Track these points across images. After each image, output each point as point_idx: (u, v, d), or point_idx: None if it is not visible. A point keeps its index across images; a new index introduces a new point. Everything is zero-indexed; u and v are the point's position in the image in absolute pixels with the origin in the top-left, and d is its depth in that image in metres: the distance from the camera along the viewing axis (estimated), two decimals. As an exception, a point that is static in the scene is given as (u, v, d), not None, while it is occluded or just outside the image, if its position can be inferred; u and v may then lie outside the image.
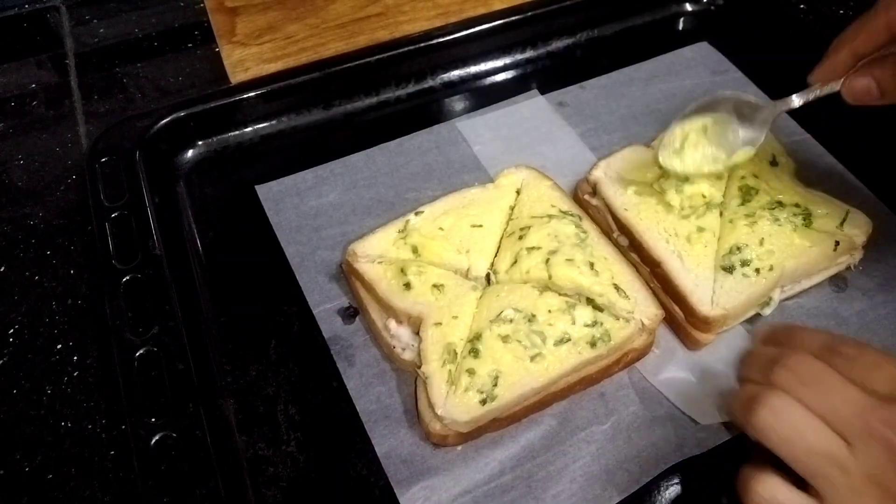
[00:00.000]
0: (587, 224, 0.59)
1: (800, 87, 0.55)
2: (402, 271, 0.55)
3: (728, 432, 0.51)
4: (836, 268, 0.59)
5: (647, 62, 0.77)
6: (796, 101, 0.55)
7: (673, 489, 0.50)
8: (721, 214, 0.59)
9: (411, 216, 0.59)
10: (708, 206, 0.58)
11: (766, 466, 0.41)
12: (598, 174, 0.62)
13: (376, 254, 0.57)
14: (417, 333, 0.54)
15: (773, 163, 0.62)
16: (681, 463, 0.50)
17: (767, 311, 0.57)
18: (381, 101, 0.74)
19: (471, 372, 0.50)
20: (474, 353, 0.51)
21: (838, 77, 0.52)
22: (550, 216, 0.58)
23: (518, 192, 0.62)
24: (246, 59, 0.74)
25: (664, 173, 0.59)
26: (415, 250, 0.57)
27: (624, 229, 0.59)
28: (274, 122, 0.72)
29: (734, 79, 0.74)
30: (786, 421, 0.39)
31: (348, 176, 0.67)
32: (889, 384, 0.40)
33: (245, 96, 0.71)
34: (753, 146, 0.57)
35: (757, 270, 0.55)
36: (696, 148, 0.57)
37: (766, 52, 0.76)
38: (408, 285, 0.55)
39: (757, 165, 0.61)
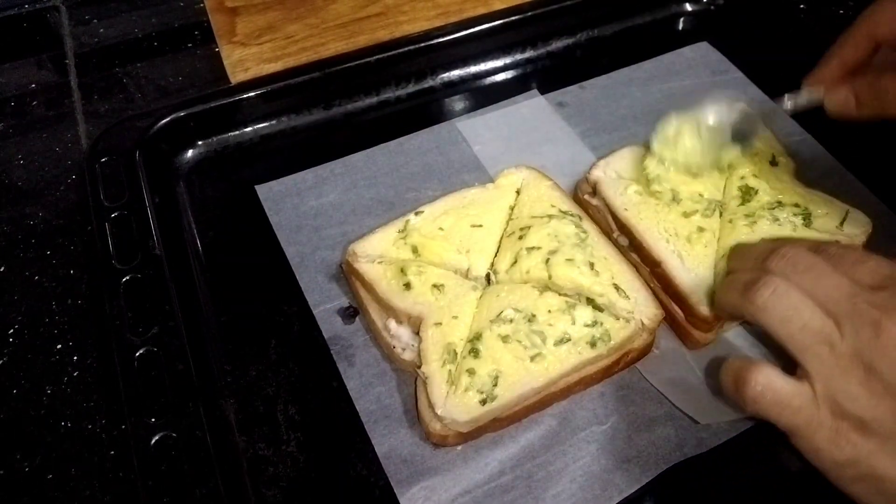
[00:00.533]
0: (587, 224, 0.59)
1: (799, 87, 0.56)
2: (402, 271, 0.55)
3: (728, 432, 0.51)
4: (837, 268, 0.59)
5: (647, 62, 0.77)
6: (786, 104, 0.57)
7: (673, 489, 0.50)
8: (721, 215, 0.59)
9: (411, 216, 0.59)
10: (708, 206, 0.58)
11: (754, 360, 0.44)
12: (597, 174, 0.62)
13: (376, 254, 0.57)
14: (417, 333, 0.54)
15: (773, 163, 0.62)
16: (681, 463, 0.50)
17: (767, 311, 0.57)
18: (381, 101, 0.74)
19: (471, 372, 0.50)
20: (474, 353, 0.51)
21: (824, 86, 0.53)
22: (550, 216, 0.58)
23: (518, 192, 0.62)
24: (246, 59, 0.74)
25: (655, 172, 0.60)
26: (415, 250, 0.57)
27: (624, 229, 0.59)
28: (274, 122, 0.72)
29: (734, 79, 0.74)
30: (784, 300, 0.43)
31: (348, 176, 0.67)
32: (872, 276, 0.43)
33: (245, 96, 0.71)
34: (740, 150, 0.59)
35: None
36: (687, 141, 0.59)
37: (766, 52, 0.76)
38: (408, 285, 0.55)
39: (757, 165, 0.61)
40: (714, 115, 0.59)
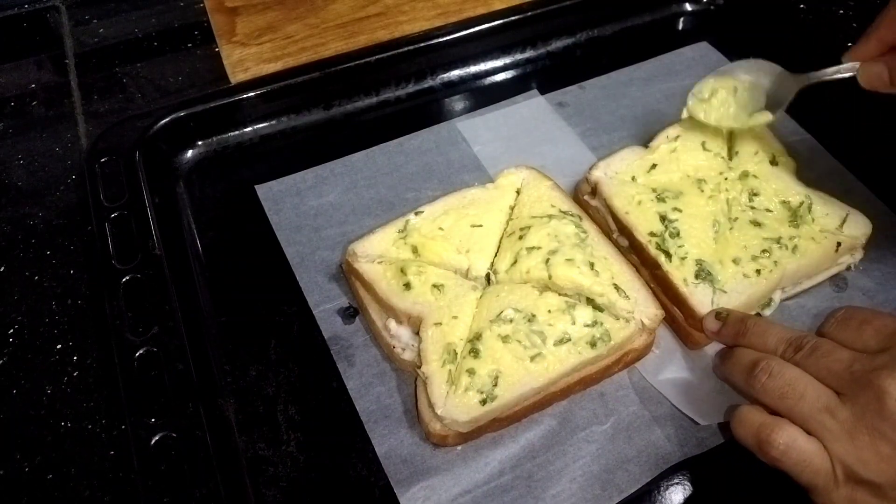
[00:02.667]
0: (587, 224, 0.59)
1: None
2: (402, 271, 0.55)
3: (728, 432, 0.51)
4: (837, 268, 0.59)
5: (647, 62, 0.77)
6: (817, 76, 0.58)
7: (673, 489, 0.50)
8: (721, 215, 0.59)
9: (411, 216, 0.59)
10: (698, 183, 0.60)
11: (776, 418, 0.45)
12: (597, 174, 0.62)
13: (376, 254, 0.57)
14: (417, 333, 0.54)
15: (773, 162, 0.62)
16: (681, 463, 0.50)
17: (768, 312, 0.57)
18: (381, 101, 0.74)
19: (471, 372, 0.50)
20: (474, 353, 0.51)
21: (862, 61, 0.53)
22: (550, 216, 0.58)
23: (518, 192, 0.62)
24: (246, 59, 0.74)
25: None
26: (415, 250, 0.57)
27: (624, 230, 0.59)
28: (274, 122, 0.72)
29: (734, 79, 0.74)
30: (782, 375, 0.45)
31: (348, 176, 0.67)
32: (875, 339, 0.45)
33: (245, 96, 0.71)
34: (772, 114, 0.60)
35: (758, 271, 0.55)
36: (722, 103, 0.61)
37: (766, 52, 0.75)
38: (408, 285, 0.55)
39: (757, 165, 0.61)
40: (751, 76, 0.61)
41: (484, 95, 0.75)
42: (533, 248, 0.56)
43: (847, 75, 0.55)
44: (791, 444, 0.43)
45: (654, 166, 0.62)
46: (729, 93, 0.62)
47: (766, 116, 0.60)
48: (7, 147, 0.70)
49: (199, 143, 0.70)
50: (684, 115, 0.63)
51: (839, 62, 0.56)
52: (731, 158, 0.62)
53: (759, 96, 0.61)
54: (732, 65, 0.63)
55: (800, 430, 0.44)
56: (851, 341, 0.46)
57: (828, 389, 0.44)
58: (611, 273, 0.55)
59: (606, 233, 0.60)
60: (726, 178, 0.61)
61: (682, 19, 0.82)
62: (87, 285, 0.60)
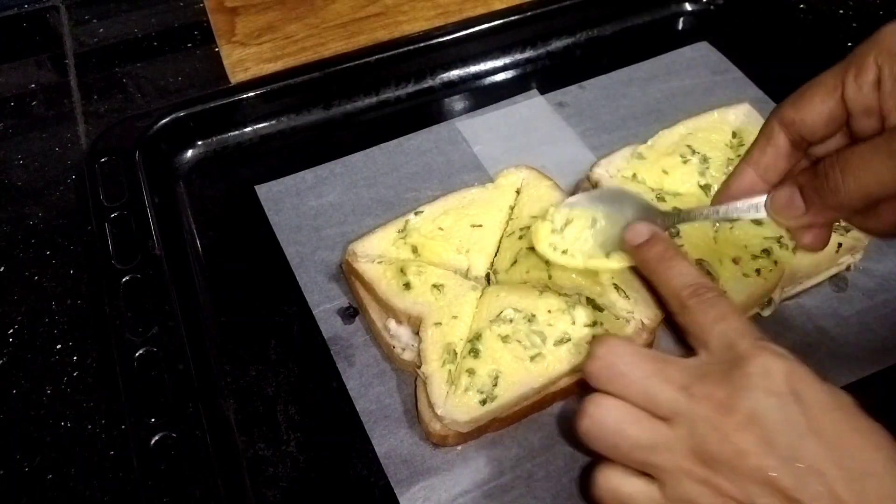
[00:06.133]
0: (587, 224, 0.59)
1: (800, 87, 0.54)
2: (402, 271, 0.55)
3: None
4: (837, 268, 0.59)
5: (647, 62, 0.77)
6: (696, 216, 0.48)
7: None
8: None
9: (411, 216, 0.59)
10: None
11: (603, 463, 0.41)
12: (599, 172, 0.62)
13: (376, 254, 0.57)
14: (417, 333, 0.54)
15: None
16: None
17: (768, 312, 0.57)
18: (381, 101, 0.74)
19: (471, 372, 0.50)
20: (474, 353, 0.51)
21: (742, 196, 0.44)
22: (550, 216, 0.58)
23: (518, 192, 0.62)
24: (246, 59, 0.74)
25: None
26: (414, 250, 0.57)
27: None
28: (274, 122, 0.72)
29: (734, 79, 0.74)
30: (605, 424, 0.39)
31: (348, 176, 0.67)
32: (719, 344, 0.40)
33: (245, 96, 0.71)
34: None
35: (758, 271, 0.55)
36: (576, 237, 0.52)
37: (766, 52, 0.76)
38: (407, 285, 0.55)
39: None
40: (613, 207, 0.51)
41: (484, 95, 0.75)
42: (533, 247, 0.56)
43: (731, 214, 0.45)
44: (612, 490, 0.39)
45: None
46: (586, 225, 0.52)
47: (625, 260, 0.50)
48: (7, 147, 0.70)
49: (199, 143, 0.70)
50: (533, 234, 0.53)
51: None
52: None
53: (619, 233, 0.50)
54: (593, 192, 0.54)
55: (625, 472, 0.40)
56: (671, 362, 0.41)
57: (657, 423, 0.39)
58: (611, 273, 0.55)
59: (606, 233, 0.60)
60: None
61: (682, 19, 0.82)
62: (87, 285, 0.60)
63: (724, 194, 0.46)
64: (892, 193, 0.38)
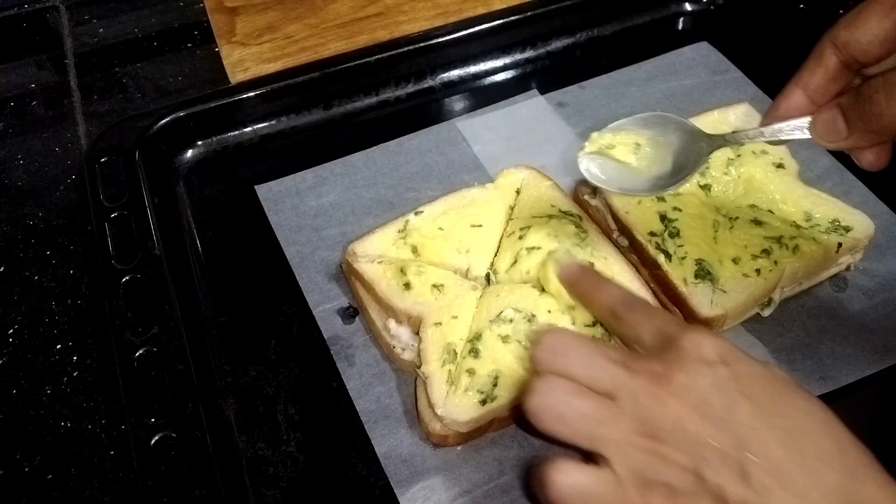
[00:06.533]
0: (587, 224, 0.59)
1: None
2: (402, 271, 0.55)
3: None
4: (837, 268, 0.59)
5: (647, 62, 0.77)
6: (740, 138, 0.47)
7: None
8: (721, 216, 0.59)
9: (411, 216, 0.59)
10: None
11: (550, 459, 0.40)
12: (598, 174, 0.62)
13: (376, 254, 0.57)
14: (417, 333, 0.54)
15: (780, 166, 0.61)
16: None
17: (768, 312, 0.57)
18: (381, 101, 0.74)
19: (471, 372, 0.50)
20: (474, 353, 0.51)
21: (790, 116, 0.44)
22: (550, 216, 0.58)
23: (518, 192, 0.62)
24: (246, 59, 0.74)
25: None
26: (414, 250, 0.57)
27: (624, 230, 0.59)
28: (274, 122, 0.72)
29: (734, 79, 0.74)
30: (553, 399, 0.39)
31: (348, 176, 0.67)
32: (653, 337, 0.41)
33: (245, 96, 0.71)
34: (680, 181, 0.50)
35: (757, 271, 0.55)
36: (619, 163, 0.51)
37: (766, 52, 0.75)
38: (407, 285, 0.55)
39: (762, 168, 0.61)
40: (656, 131, 0.50)
41: (484, 95, 0.75)
42: (533, 248, 0.56)
43: (777, 136, 0.45)
44: (568, 483, 0.38)
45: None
46: (629, 150, 0.51)
47: (670, 187, 0.50)
48: (7, 147, 0.70)
49: (199, 143, 0.70)
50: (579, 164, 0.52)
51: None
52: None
53: (665, 156, 0.49)
54: (634, 117, 0.52)
55: (575, 463, 0.39)
56: (629, 329, 0.43)
57: (602, 399, 0.39)
58: (611, 273, 0.55)
59: (606, 232, 0.60)
60: (727, 178, 0.61)
61: (682, 19, 0.82)
62: (87, 285, 0.60)
63: (772, 115, 0.46)
64: None
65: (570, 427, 0.39)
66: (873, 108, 0.40)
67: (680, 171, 0.50)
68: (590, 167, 0.51)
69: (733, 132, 0.48)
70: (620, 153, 0.51)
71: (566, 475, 0.39)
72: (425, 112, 0.74)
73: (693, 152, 0.49)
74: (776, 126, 0.45)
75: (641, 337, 0.42)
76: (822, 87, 0.43)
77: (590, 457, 0.39)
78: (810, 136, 0.43)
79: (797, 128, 0.44)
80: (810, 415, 0.37)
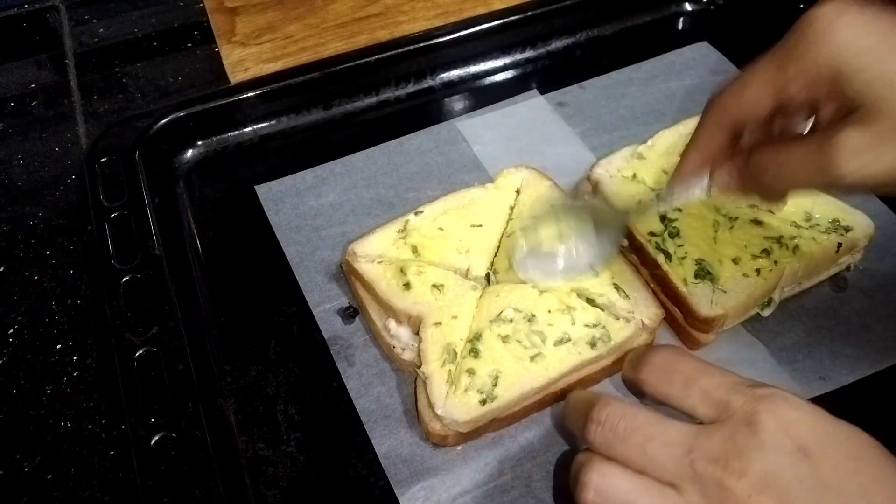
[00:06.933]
0: (587, 224, 0.59)
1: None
2: (402, 271, 0.55)
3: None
4: (837, 268, 0.59)
5: (647, 62, 0.77)
6: (652, 207, 0.51)
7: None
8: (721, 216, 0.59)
9: (411, 216, 0.59)
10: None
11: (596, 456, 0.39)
12: (599, 172, 0.62)
13: (376, 253, 0.57)
14: (417, 333, 0.54)
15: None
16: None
17: (767, 312, 0.57)
18: (381, 101, 0.74)
19: (470, 372, 0.50)
20: (474, 353, 0.51)
21: (693, 177, 0.47)
22: (550, 216, 0.58)
23: (518, 192, 0.62)
24: (245, 59, 0.74)
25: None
26: (414, 250, 0.57)
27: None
28: (274, 122, 0.72)
29: (734, 79, 0.74)
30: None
31: (348, 176, 0.67)
32: (703, 405, 0.39)
33: (245, 96, 0.71)
34: (610, 254, 0.54)
35: (757, 271, 0.55)
36: (548, 257, 0.54)
37: (766, 52, 0.75)
38: (407, 285, 0.55)
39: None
40: (573, 220, 0.53)
41: (484, 95, 0.75)
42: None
43: (682, 197, 0.48)
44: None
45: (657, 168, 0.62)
46: (555, 241, 0.53)
47: (600, 264, 0.53)
48: (7, 147, 0.70)
49: (199, 143, 0.70)
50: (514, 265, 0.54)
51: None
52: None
53: (589, 238, 0.53)
54: (548, 208, 0.55)
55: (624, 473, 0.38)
56: (676, 401, 0.40)
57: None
58: (611, 273, 0.55)
59: (606, 233, 0.60)
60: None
61: (682, 19, 0.82)
62: (87, 285, 0.60)
63: (675, 179, 0.48)
64: (816, 189, 0.43)
65: None
66: (764, 179, 0.43)
67: (605, 247, 0.54)
68: (529, 269, 0.54)
69: (643, 203, 0.53)
70: (548, 246, 0.54)
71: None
72: (425, 112, 0.74)
73: (611, 227, 0.53)
74: (680, 189, 0.48)
75: (690, 406, 0.40)
76: (716, 150, 0.46)
77: None
78: (708, 194, 0.47)
79: (698, 188, 0.47)
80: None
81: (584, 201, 0.54)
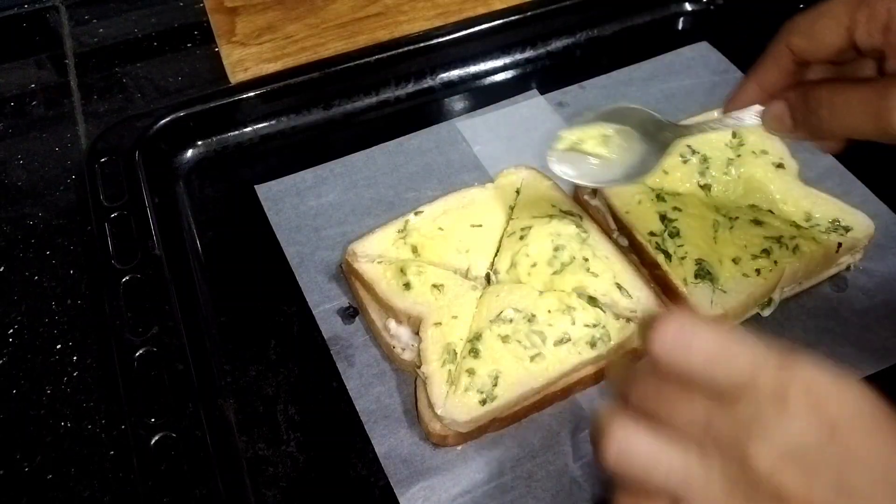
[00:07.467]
0: (588, 224, 0.59)
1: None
2: (402, 271, 0.55)
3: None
4: (837, 268, 0.59)
5: (647, 62, 0.77)
6: (703, 127, 0.48)
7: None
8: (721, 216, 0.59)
9: (411, 216, 0.59)
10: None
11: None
12: (598, 174, 0.62)
13: (376, 253, 0.57)
14: (417, 333, 0.54)
15: (780, 165, 0.61)
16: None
17: (767, 312, 0.57)
18: (381, 101, 0.74)
19: (470, 372, 0.50)
20: (474, 353, 0.51)
21: (746, 106, 0.47)
22: (551, 216, 0.58)
23: (518, 192, 0.62)
24: (245, 59, 0.74)
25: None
26: (414, 250, 0.57)
27: (624, 230, 0.59)
28: (274, 122, 0.72)
29: (734, 78, 0.74)
30: (637, 452, 0.37)
31: (348, 176, 0.67)
32: (725, 380, 0.36)
33: (245, 96, 0.71)
34: (649, 169, 0.50)
35: (757, 271, 0.55)
36: (590, 156, 0.51)
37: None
38: (407, 285, 0.55)
39: (762, 168, 0.61)
40: (621, 123, 0.51)
41: (484, 95, 0.75)
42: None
43: (735, 123, 0.47)
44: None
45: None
46: (598, 142, 0.51)
47: (642, 176, 0.50)
48: (7, 147, 0.70)
49: (199, 143, 0.70)
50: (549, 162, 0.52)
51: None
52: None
53: (634, 146, 0.50)
54: (599, 111, 0.52)
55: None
56: (697, 375, 0.38)
57: (689, 452, 0.36)
58: (612, 272, 0.55)
59: (606, 232, 0.60)
60: (727, 178, 0.61)
61: (682, 19, 0.82)
62: (87, 285, 0.60)
63: (730, 105, 0.48)
64: (868, 139, 0.42)
65: (656, 484, 0.37)
66: (816, 119, 0.42)
67: (648, 159, 0.50)
68: (562, 165, 0.52)
69: (695, 123, 0.50)
70: (591, 146, 0.51)
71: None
72: (425, 112, 0.74)
73: (658, 141, 0.50)
74: (734, 115, 0.47)
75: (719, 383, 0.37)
76: (776, 82, 0.46)
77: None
78: (761, 123, 0.46)
79: (752, 116, 0.47)
80: None
81: (635, 107, 0.51)
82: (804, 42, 0.44)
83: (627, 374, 0.39)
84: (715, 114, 0.48)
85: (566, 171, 0.51)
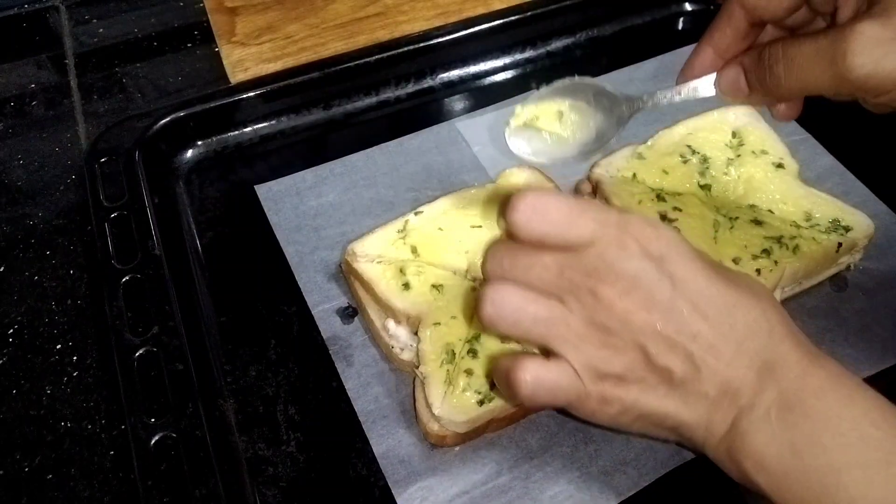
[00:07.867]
0: (586, 224, 0.59)
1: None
2: (401, 271, 0.55)
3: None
4: (837, 267, 0.59)
5: (647, 62, 0.76)
6: (658, 99, 0.48)
7: (672, 493, 0.50)
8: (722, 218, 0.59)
9: (411, 216, 0.59)
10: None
11: (516, 356, 0.43)
12: (599, 172, 0.62)
13: (375, 253, 0.57)
14: (416, 333, 0.54)
15: (779, 165, 0.61)
16: (680, 466, 0.50)
17: (767, 312, 0.57)
18: (381, 100, 0.74)
19: (469, 372, 0.50)
20: (472, 353, 0.51)
21: (703, 74, 0.47)
22: (550, 216, 0.58)
23: (517, 193, 0.62)
24: (245, 59, 0.74)
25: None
26: (414, 250, 0.57)
27: (623, 229, 0.59)
28: (274, 122, 0.72)
29: (734, 78, 0.74)
30: (506, 305, 0.42)
31: (348, 176, 0.67)
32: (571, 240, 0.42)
33: (245, 96, 0.71)
34: (605, 145, 0.50)
35: (758, 271, 0.55)
36: (545, 134, 0.51)
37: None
38: (407, 285, 0.55)
39: (762, 168, 0.61)
40: (575, 98, 0.50)
41: (484, 95, 0.75)
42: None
43: (690, 93, 0.47)
44: (537, 380, 0.41)
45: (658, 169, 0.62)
46: (553, 119, 0.50)
47: (597, 152, 0.50)
48: (7, 147, 0.70)
49: (199, 143, 0.70)
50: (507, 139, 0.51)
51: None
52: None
53: (588, 122, 0.50)
54: (553, 86, 0.50)
55: (540, 360, 0.42)
56: (554, 238, 0.42)
57: (552, 300, 0.41)
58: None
59: (606, 233, 0.60)
60: (727, 178, 0.61)
61: (682, 19, 0.82)
62: (87, 285, 0.60)
63: (685, 74, 0.48)
64: (825, 93, 0.42)
65: (525, 330, 0.42)
66: (772, 78, 0.43)
67: (603, 135, 0.50)
68: (518, 143, 0.51)
69: (649, 94, 0.49)
70: (545, 123, 0.51)
71: (534, 373, 0.42)
72: (425, 112, 0.74)
73: (614, 115, 0.50)
74: (689, 84, 0.47)
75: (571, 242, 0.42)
76: (730, 45, 0.46)
77: (548, 353, 0.42)
78: (714, 92, 0.46)
79: (707, 85, 0.46)
80: (738, 288, 0.41)
81: (589, 81, 0.50)
82: (755, 1, 0.44)
83: (491, 251, 0.44)
84: (682, 91, 0.48)
85: (522, 148, 0.51)
